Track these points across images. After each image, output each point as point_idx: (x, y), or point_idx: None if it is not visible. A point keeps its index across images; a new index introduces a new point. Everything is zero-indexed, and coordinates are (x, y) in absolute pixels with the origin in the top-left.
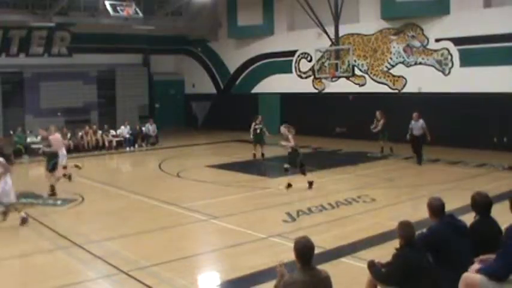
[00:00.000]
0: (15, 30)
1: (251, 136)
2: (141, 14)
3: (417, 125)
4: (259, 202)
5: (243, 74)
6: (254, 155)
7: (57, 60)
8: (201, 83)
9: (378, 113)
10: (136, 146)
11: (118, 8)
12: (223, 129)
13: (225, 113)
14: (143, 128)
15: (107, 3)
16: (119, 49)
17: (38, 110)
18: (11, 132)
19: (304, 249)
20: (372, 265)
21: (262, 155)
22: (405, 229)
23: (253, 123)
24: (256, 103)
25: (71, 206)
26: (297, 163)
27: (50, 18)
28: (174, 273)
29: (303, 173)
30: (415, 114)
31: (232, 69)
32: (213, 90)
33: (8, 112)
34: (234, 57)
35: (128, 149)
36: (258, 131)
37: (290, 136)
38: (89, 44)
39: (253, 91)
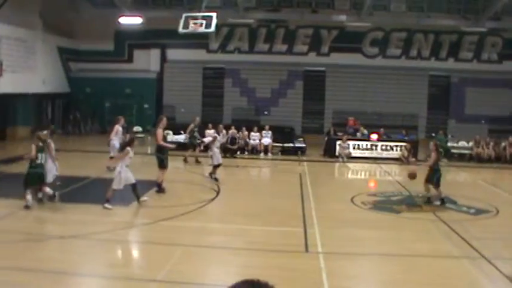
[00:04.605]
0: (446, 34)
1: None
2: None
3: None
4: None
5: None
6: None
7: (486, 66)
8: None
9: None
10: None
11: None
12: None
13: None
14: None
15: None
16: None
17: (461, 115)
18: (433, 134)
19: None
20: None
21: None
22: None
23: None
24: None
25: (483, 216)
26: None
27: (483, 24)
28: None
29: None
30: None
31: None
32: None
33: (432, 114)
34: None
35: None
36: None
37: None
38: None
39: None
